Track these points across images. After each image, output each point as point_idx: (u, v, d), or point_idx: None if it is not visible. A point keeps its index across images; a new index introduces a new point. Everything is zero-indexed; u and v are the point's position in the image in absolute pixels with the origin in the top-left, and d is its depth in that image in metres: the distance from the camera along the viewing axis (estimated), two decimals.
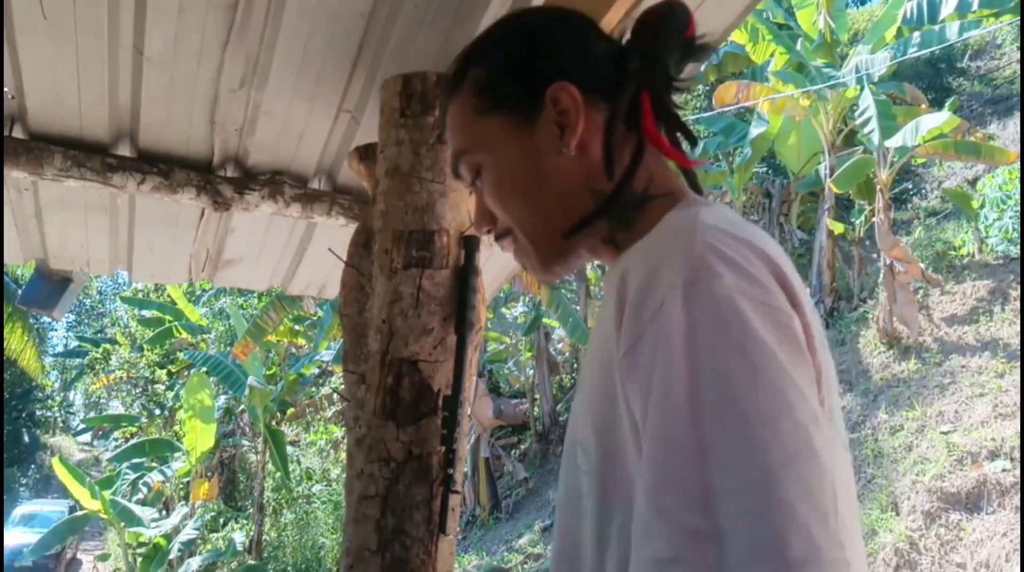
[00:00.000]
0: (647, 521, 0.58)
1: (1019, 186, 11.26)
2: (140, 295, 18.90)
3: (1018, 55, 17.07)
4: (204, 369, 12.93)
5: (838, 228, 12.14)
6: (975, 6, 10.05)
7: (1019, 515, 7.68)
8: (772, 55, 11.95)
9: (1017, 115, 15.46)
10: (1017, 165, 10.80)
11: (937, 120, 9.77)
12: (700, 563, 0.54)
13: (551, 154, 0.83)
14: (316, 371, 13.75)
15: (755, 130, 12.32)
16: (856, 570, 0.57)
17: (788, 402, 0.58)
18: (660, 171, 0.84)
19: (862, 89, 10.81)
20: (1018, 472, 8.06)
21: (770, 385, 0.59)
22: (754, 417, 0.57)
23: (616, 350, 0.68)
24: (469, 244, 1.62)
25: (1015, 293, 10.63)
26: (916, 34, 11.00)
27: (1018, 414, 8.68)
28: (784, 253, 0.72)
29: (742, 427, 0.57)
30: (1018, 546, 7.43)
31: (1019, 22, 10.73)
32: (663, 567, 0.56)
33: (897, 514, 8.57)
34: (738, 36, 11.85)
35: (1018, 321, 10.13)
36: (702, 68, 12.73)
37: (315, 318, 13.59)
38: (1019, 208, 11.32)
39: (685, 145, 0.89)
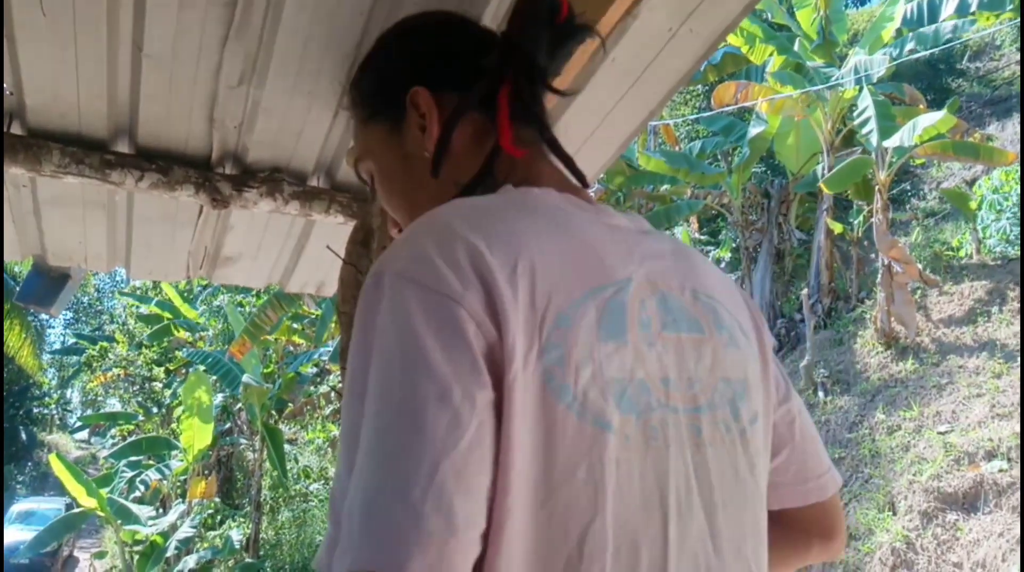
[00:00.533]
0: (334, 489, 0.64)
1: (1017, 187, 11.28)
2: (139, 292, 18.89)
3: (1017, 56, 17.09)
4: (202, 367, 12.93)
5: (836, 228, 12.15)
6: (974, 7, 10.06)
7: (1017, 515, 7.70)
8: (771, 55, 11.97)
9: (1016, 116, 15.49)
10: (1015, 166, 10.82)
11: (933, 119, 9.78)
12: (332, 539, 0.61)
13: (419, 155, 0.86)
14: (314, 369, 13.74)
15: (753, 130, 12.33)
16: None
17: (408, 381, 0.62)
18: (532, 164, 0.85)
19: (861, 90, 10.82)
20: (1015, 472, 8.08)
21: (396, 365, 0.63)
22: (371, 396, 0.63)
23: None
24: None
25: (1013, 294, 10.65)
26: (913, 34, 11.01)
27: (1015, 414, 8.70)
28: (548, 241, 0.72)
29: (370, 407, 0.62)
30: (1015, 546, 7.44)
31: (1018, 23, 10.74)
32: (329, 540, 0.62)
33: (894, 514, 8.59)
34: (734, 40, 11.86)
35: (1016, 322, 10.15)
36: (701, 67, 12.74)
37: (314, 316, 13.59)
38: (1017, 209, 11.34)
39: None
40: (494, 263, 0.66)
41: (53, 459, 12.09)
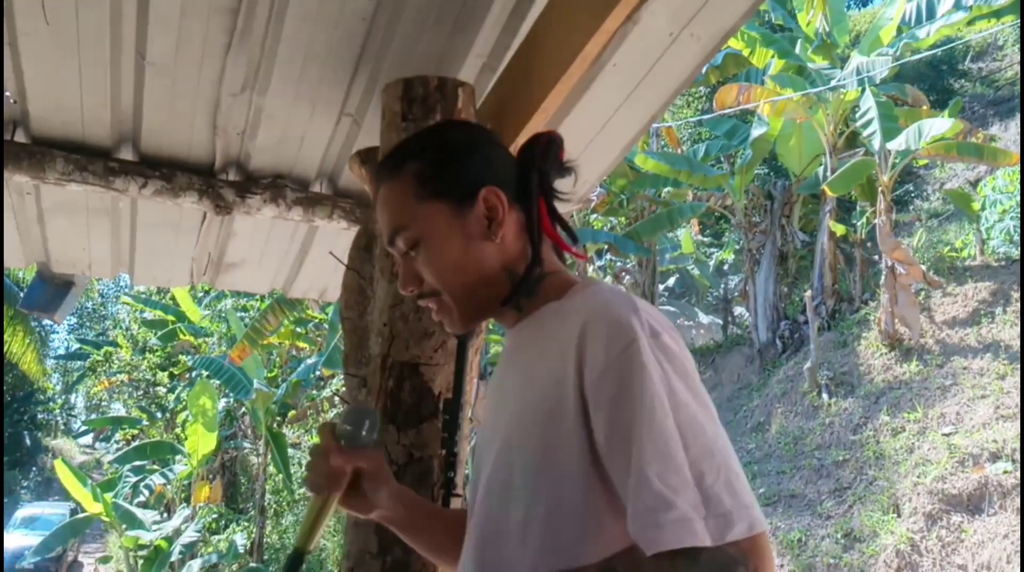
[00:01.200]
0: (659, 495, 0.84)
1: (1019, 187, 11.26)
2: (144, 295, 18.92)
3: (1019, 56, 17.07)
4: (206, 373, 12.94)
5: (838, 230, 12.14)
6: (970, 1, 10.06)
7: (1020, 517, 7.67)
8: (772, 58, 11.96)
9: (1018, 116, 15.46)
10: (1018, 166, 10.80)
11: (942, 126, 9.75)
12: (699, 516, 0.83)
13: (479, 240, 1.06)
14: (318, 373, 13.75)
15: (755, 132, 12.32)
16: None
17: (712, 411, 0.92)
18: (546, 253, 1.10)
19: (863, 91, 10.80)
20: (1019, 474, 8.05)
21: (704, 401, 0.92)
22: (704, 423, 0.89)
23: (571, 374, 0.94)
24: None
25: (1017, 295, 10.63)
26: (915, 36, 11.00)
27: (1019, 416, 8.68)
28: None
29: (702, 431, 0.89)
30: (1019, 548, 7.42)
31: (1019, 24, 10.73)
32: (680, 523, 0.83)
33: (898, 516, 8.57)
34: (735, 43, 11.86)
35: (1020, 323, 10.12)
36: (703, 70, 12.73)
37: (319, 320, 13.60)
38: (1020, 210, 11.32)
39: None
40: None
41: (58, 464, 12.11)
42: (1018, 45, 17.40)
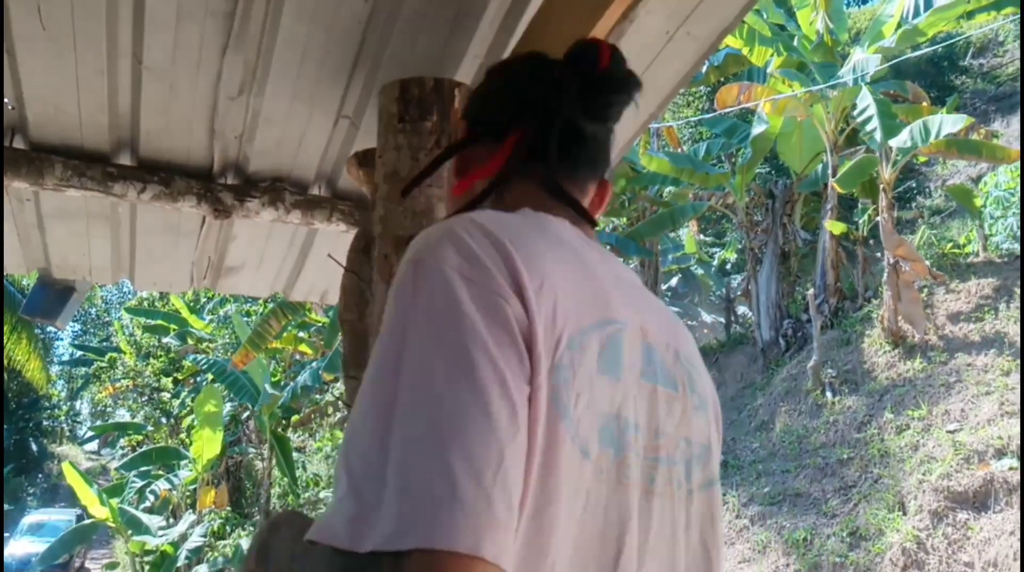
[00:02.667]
0: (343, 464, 0.65)
1: (1020, 186, 11.24)
2: (146, 304, 18.94)
3: (1020, 53, 17.04)
4: (211, 376, 12.95)
5: (841, 228, 12.11)
6: None
7: (1020, 514, 7.65)
8: (772, 56, 11.95)
9: (1020, 113, 15.43)
10: (1019, 163, 10.77)
11: (953, 123, 9.71)
12: (365, 498, 0.61)
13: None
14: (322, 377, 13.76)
15: (755, 130, 12.31)
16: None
17: (472, 365, 0.63)
18: (545, 198, 0.91)
19: (861, 88, 10.79)
20: (1021, 471, 8.03)
21: (460, 349, 0.63)
22: (437, 375, 0.63)
23: None
24: None
25: (1020, 290, 10.60)
26: (914, 31, 10.98)
27: (1020, 413, 8.65)
28: (565, 265, 0.77)
29: (425, 384, 0.63)
30: (1022, 544, 7.40)
31: (1019, 20, 10.71)
32: (328, 515, 0.64)
33: (904, 514, 8.54)
34: (735, 42, 11.85)
35: (1020, 321, 10.10)
36: (703, 69, 12.74)
37: (321, 324, 13.60)
38: (1020, 208, 11.30)
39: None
40: (526, 276, 0.69)
41: (67, 468, 12.11)
42: (1018, 40, 17.37)
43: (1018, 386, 9.07)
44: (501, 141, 0.93)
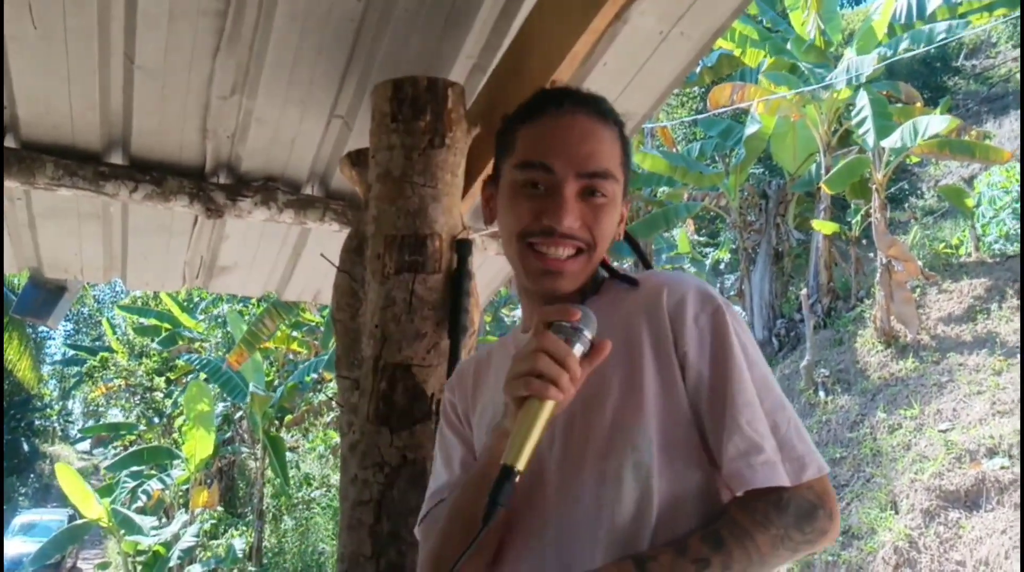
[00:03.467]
0: (751, 440, 0.93)
1: (1015, 184, 11.28)
2: (139, 303, 18.86)
3: (1013, 53, 17.11)
4: (203, 376, 12.91)
5: (832, 228, 12.15)
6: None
7: (1018, 512, 7.68)
8: (764, 57, 11.98)
9: (1012, 113, 15.50)
10: (1012, 163, 10.82)
11: (939, 124, 9.76)
12: (779, 459, 0.94)
13: (616, 223, 1.09)
14: (315, 376, 13.73)
15: (748, 130, 12.34)
16: None
17: (767, 371, 1.01)
18: None
19: (856, 89, 10.82)
20: (1017, 469, 8.06)
21: (760, 360, 1.01)
22: (771, 378, 1.01)
23: (664, 339, 0.98)
24: (462, 248, 1.62)
25: (1012, 290, 10.65)
26: (906, 34, 11.02)
27: (1016, 411, 8.69)
28: None
29: (774, 385, 0.99)
30: (1017, 543, 7.43)
31: (1013, 20, 10.76)
32: (768, 465, 0.93)
33: (896, 512, 8.57)
34: (728, 44, 11.87)
35: (1015, 318, 10.14)
36: (697, 69, 12.77)
37: (315, 324, 13.57)
38: (1016, 206, 11.34)
39: None
40: None
41: (60, 467, 12.06)
42: (1012, 42, 17.45)
43: (1009, 386, 9.11)
44: None
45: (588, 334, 0.93)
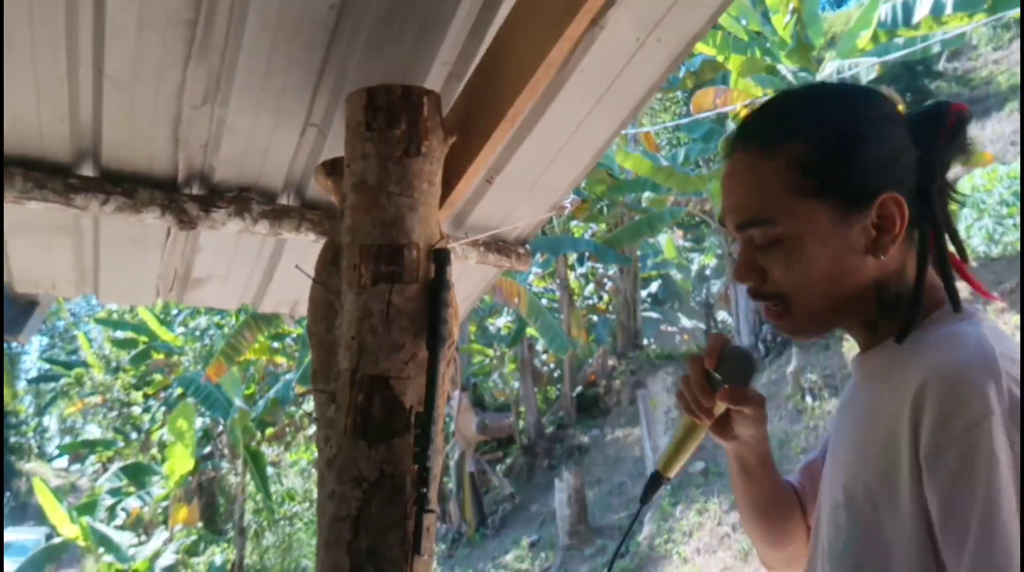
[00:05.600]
0: None
1: (999, 186, 11.41)
2: (115, 316, 18.66)
3: (994, 56, 17.35)
4: (180, 390, 12.78)
5: None
6: (948, 9, 10.19)
7: (1020, 512, 7.73)
8: (746, 61, 12.07)
9: (994, 116, 15.71)
10: (994, 165, 10.94)
11: None
12: None
13: (859, 253, 0.87)
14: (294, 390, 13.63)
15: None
16: None
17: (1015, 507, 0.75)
18: (933, 279, 0.91)
19: None
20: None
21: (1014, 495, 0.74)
22: (1014, 512, 0.73)
23: (905, 435, 0.79)
24: (439, 258, 1.60)
25: (996, 293, 10.76)
26: (894, 39, 11.14)
27: None
28: None
29: (1012, 519, 0.73)
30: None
31: (993, 23, 10.91)
32: None
33: None
34: (708, 49, 11.94)
35: (1000, 321, 10.24)
36: (680, 74, 12.83)
37: (295, 335, 13.48)
38: (1000, 208, 11.47)
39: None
40: None
41: (37, 483, 11.87)
42: (991, 44, 17.70)
43: None
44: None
45: (719, 377, 0.98)
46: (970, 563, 0.73)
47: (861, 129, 0.87)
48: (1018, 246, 11.16)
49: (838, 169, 0.86)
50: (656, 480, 1.01)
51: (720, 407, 0.99)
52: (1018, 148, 11.56)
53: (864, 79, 10.88)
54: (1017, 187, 11.11)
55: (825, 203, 0.86)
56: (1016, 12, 10.43)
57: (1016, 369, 0.76)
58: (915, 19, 10.68)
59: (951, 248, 0.93)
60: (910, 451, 0.78)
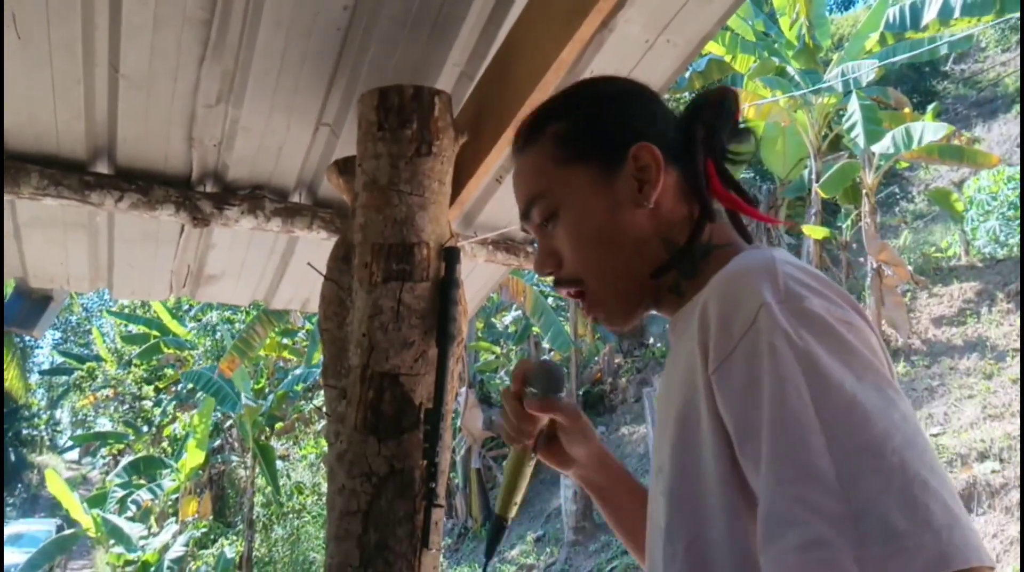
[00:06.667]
0: (784, 511, 0.62)
1: (1005, 188, 11.35)
2: (127, 310, 18.77)
3: (1001, 58, 17.23)
4: (191, 385, 12.86)
5: (824, 233, 12.20)
6: (957, 12, 10.13)
7: (1010, 515, 7.71)
8: (755, 63, 12.03)
9: (1001, 117, 15.61)
10: (1001, 167, 10.88)
11: (934, 131, 9.80)
12: (846, 541, 0.58)
13: (628, 206, 0.91)
14: (311, 381, 13.68)
15: None
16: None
17: (891, 398, 0.66)
18: (718, 225, 0.94)
19: (847, 94, 10.88)
20: (1008, 473, 8.09)
21: (875, 385, 0.67)
22: (872, 411, 0.64)
23: (698, 368, 0.75)
24: (449, 256, 1.62)
25: (1002, 294, 10.71)
26: (902, 42, 11.09)
27: (1007, 415, 8.73)
28: None
29: (864, 420, 0.63)
30: (1008, 547, 7.45)
31: (1001, 25, 10.83)
32: (810, 550, 0.60)
33: None
34: (717, 49, 11.91)
35: (1006, 322, 10.19)
36: (687, 74, 12.78)
37: (304, 330, 13.53)
38: (1005, 210, 11.41)
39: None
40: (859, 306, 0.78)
41: (49, 475, 11.97)
42: (1000, 47, 17.58)
43: (999, 389, 9.15)
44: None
45: (535, 390, 1.01)
46: (765, 468, 0.66)
47: (607, 98, 0.96)
48: None
49: (590, 132, 0.93)
50: (498, 526, 0.99)
51: (542, 423, 1.02)
52: None
53: (868, 79, 10.84)
54: None
55: (587, 165, 0.92)
56: None
57: (802, 275, 0.74)
58: (923, 22, 10.63)
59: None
60: (704, 378, 0.74)
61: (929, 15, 10.52)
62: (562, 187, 0.93)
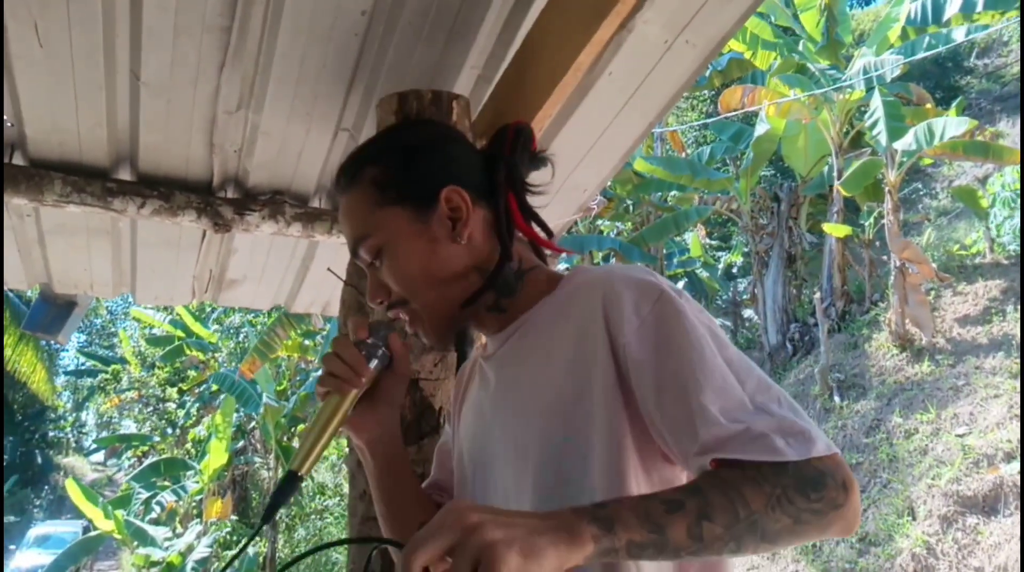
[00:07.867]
0: (725, 426, 0.81)
1: (1020, 188, 11.19)
2: (151, 311, 18.96)
3: (1020, 54, 16.98)
4: (215, 386, 12.96)
5: (844, 230, 12.08)
6: (980, 6, 9.99)
7: (1020, 514, 7.59)
8: (775, 59, 11.94)
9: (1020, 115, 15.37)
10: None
11: (957, 127, 9.66)
12: (777, 435, 0.80)
13: (445, 242, 1.03)
14: None
15: (758, 133, 12.29)
16: None
17: (741, 354, 0.90)
18: (523, 251, 1.08)
19: (869, 91, 10.76)
20: (1019, 471, 7.97)
21: (730, 344, 0.91)
22: (749, 361, 0.90)
23: (599, 347, 0.92)
24: None
25: None
26: (924, 36, 10.95)
27: (1020, 415, 8.59)
28: None
29: (749, 366, 0.88)
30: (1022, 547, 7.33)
31: (1020, 22, 10.69)
32: (757, 440, 0.80)
33: (913, 519, 8.49)
34: (737, 45, 11.83)
35: (1020, 322, 10.03)
36: (706, 73, 12.72)
37: (325, 332, 13.60)
38: (1020, 210, 11.24)
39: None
40: None
41: (69, 484, 12.12)
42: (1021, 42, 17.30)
43: None
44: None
45: (381, 345, 1.06)
46: (696, 404, 0.83)
47: (417, 145, 1.07)
48: None
49: (403, 177, 1.04)
50: (290, 481, 0.96)
51: (371, 374, 1.04)
52: None
53: (891, 76, 10.72)
54: None
55: (404, 207, 1.03)
56: None
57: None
58: (945, 16, 10.49)
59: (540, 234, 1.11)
60: (606, 359, 0.90)
61: (951, 9, 10.38)
62: (383, 228, 1.03)
